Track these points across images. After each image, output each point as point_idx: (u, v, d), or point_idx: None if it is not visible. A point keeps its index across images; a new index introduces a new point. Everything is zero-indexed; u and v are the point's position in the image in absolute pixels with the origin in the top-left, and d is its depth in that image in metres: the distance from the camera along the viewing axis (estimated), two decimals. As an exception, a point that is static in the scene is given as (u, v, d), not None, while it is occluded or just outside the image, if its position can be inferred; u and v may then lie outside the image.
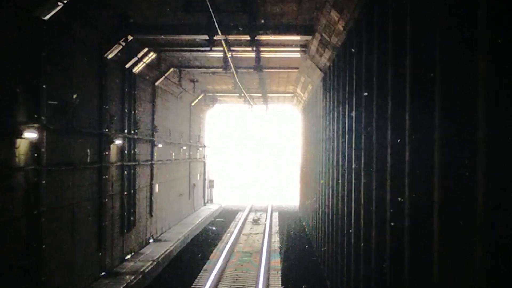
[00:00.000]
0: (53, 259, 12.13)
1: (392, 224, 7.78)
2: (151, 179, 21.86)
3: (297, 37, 16.19)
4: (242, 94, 29.51)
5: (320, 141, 19.80)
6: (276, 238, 25.18)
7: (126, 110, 17.92)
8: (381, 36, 8.97)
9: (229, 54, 17.80)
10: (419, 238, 6.45)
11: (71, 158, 13.17)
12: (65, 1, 11.21)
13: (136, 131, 19.15)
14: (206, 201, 38.75)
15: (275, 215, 35.46)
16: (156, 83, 22.13)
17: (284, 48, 18.00)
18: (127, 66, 17.73)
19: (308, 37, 15.89)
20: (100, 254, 15.44)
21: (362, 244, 10.23)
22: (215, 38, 15.18)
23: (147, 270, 16.78)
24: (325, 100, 17.82)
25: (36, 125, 11.02)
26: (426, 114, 6.28)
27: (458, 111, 5.36)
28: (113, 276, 15.70)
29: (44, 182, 11.42)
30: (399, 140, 7.59)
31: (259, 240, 24.61)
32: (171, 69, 22.24)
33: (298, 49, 17.93)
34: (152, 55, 18.81)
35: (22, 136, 10.51)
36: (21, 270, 10.63)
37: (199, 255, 20.88)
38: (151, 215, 21.82)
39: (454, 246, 5.30)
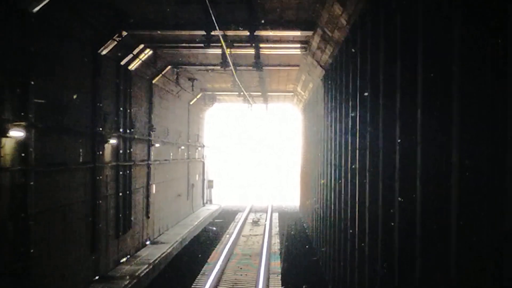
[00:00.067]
0: (43, 264, 11.58)
1: (392, 224, 7.68)
2: (148, 179, 21.31)
3: (298, 33, 15.63)
4: (242, 93, 28.96)
5: (320, 141, 19.45)
6: (276, 240, 24.64)
7: (121, 109, 17.36)
8: (388, 29, 8.43)
9: (227, 51, 17.24)
10: (423, 238, 6.30)
11: (62, 158, 12.61)
12: (54, -7, 10.67)
13: (132, 130, 18.60)
14: (205, 201, 38.21)
15: (275, 215, 34.92)
16: (153, 81, 21.58)
17: (285, 44, 17.43)
18: (122, 63, 17.17)
19: (309, 33, 15.32)
20: (93, 257, 14.89)
21: (363, 244, 10.09)
22: (212, 33, 14.61)
23: (142, 274, 16.23)
24: (327, 98, 17.32)
25: (23, 123, 10.47)
26: (442, 112, 5.75)
27: (479, 108, 4.83)
28: (107, 280, 15.15)
29: (32, 183, 10.86)
30: (408, 140, 7.07)
31: (259, 242, 24.07)
32: (169, 67, 21.69)
33: (299, 45, 17.37)
34: (148, 52, 18.26)
35: (8, 135, 9.96)
36: (7, 276, 10.07)
37: (198, 258, 20.33)
38: (148, 217, 21.26)
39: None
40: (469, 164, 5.01)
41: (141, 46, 17.40)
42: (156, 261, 18.17)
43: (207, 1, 11.35)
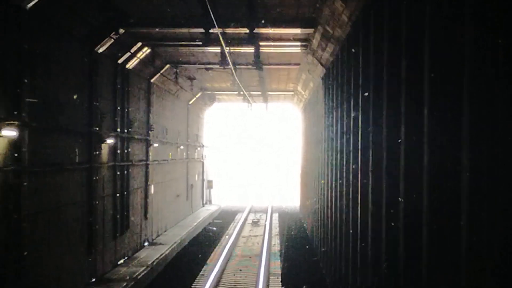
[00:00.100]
0: (36, 266, 11.29)
1: (393, 224, 7.64)
2: (146, 180, 21.02)
3: (298, 30, 15.34)
4: (241, 92, 28.66)
5: (321, 141, 19.33)
6: (276, 241, 24.35)
7: (118, 108, 17.07)
8: (392, 24, 8.14)
9: (226, 49, 16.95)
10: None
11: (57, 158, 12.32)
12: (48, -11, 10.39)
13: (130, 130, 18.30)
14: (204, 202, 37.93)
15: (275, 216, 34.64)
16: (152, 80, 21.29)
17: (285, 42, 17.14)
18: (119, 61, 16.88)
19: (310, 30, 15.03)
20: (90, 259, 14.60)
21: (363, 244, 10.01)
22: (211, 31, 14.32)
23: (140, 276, 15.94)
24: (327, 97, 17.06)
25: (16, 122, 10.18)
26: (451, 112, 5.47)
27: (490, 107, 4.55)
28: (103, 283, 14.86)
29: (25, 184, 10.58)
30: (414, 140, 6.78)
31: (259, 243, 23.79)
32: (167, 66, 21.39)
33: (299, 43, 17.08)
34: (146, 50, 17.97)
35: (0, 134, 9.66)
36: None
37: (197, 259, 20.05)
38: (146, 218, 20.97)
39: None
40: (479, 165, 4.76)
41: (139, 44, 17.11)
42: (155, 263, 17.88)
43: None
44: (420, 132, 6.40)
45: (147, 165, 21.00)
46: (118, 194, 17.09)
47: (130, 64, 17.86)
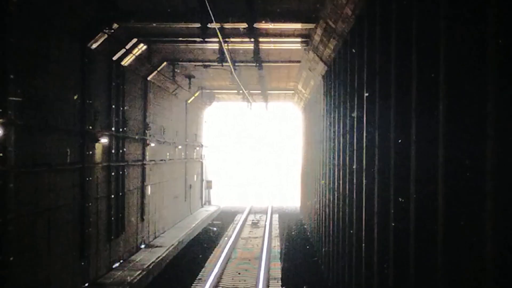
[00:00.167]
0: (24, 273, 10.72)
1: (393, 224, 7.51)
2: (143, 180, 20.45)
3: (299, 25, 14.77)
4: (241, 91, 28.11)
5: (322, 141, 19.07)
6: (276, 243, 23.80)
7: (113, 106, 16.50)
8: (402, 17, 7.58)
9: (225, 46, 16.39)
10: (423, 240, 6.21)
11: (47, 158, 11.74)
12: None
13: (125, 129, 17.73)
14: (203, 202, 37.37)
15: (275, 217, 34.08)
16: (148, 78, 20.73)
17: (285, 38, 16.56)
18: (114, 58, 16.31)
19: (311, 25, 14.45)
20: (82, 264, 14.03)
21: (363, 245, 9.91)
22: (209, 26, 13.74)
23: (135, 280, 15.38)
24: (329, 95, 16.57)
25: (1, 120, 9.61)
26: (471, 109, 4.92)
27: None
28: None
29: (11, 185, 10.01)
30: (426, 140, 6.24)
31: (258, 245, 23.23)
32: (164, 63, 20.82)
33: (300, 39, 16.51)
34: (142, 47, 17.40)
35: (-17, 133, 9.12)
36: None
37: (194, 262, 19.48)
38: (142, 219, 20.40)
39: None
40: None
41: (134, 40, 16.54)
42: (151, 266, 17.32)
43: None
44: (434, 132, 5.84)
45: (143, 165, 20.44)
46: (113, 196, 16.53)
47: (126, 61, 17.29)
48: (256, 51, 16.97)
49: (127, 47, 16.50)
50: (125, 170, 17.84)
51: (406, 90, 7.10)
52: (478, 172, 4.73)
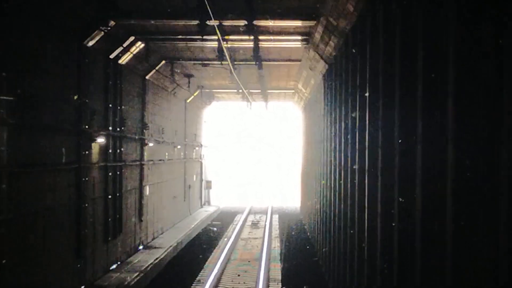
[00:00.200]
0: (17, 275, 10.44)
1: (393, 225, 7.49)
2: (141, 180, 20.17)
3: (299, 23, 14.48)
4: (240, 90, 27.82)
5: (322, 140, 18.84)
6: (276, 244, 23.52)
7: (110, 105, 16.21)
8: (407, 12, 7.30)
9: (224, 44, 16.10)
10: (426, 239, 6.16)
11: (41, 158, 11.47)
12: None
13: (123, 128, 17.45)
14: (203, 203, 37.08)
15: (275, 217, 33.79)
16: (147, 77, 20.45)
17: (285, 36, 16.26)
18: (111, 56, 16.03)
19: (312, 23, 14.17)
20: (78, 265, 13.75)
21: (364, 245, 9.88)
22: (207, 23, 13.45)
23: (132, 282, 15.10)
24: (329, 95, 16.30)
25: (-8, 119, 9.35)
26: (482, 112, 4.65)
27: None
28: (93, 290, 14.04)
29: (4, 186, 9.74)
30: (434, 140, 5.97)
31: (258, 246, 22.95)
32: (163, 62, 20.54)
33: (300, 37, 16.22)
34: (140, 45, 17.11)
35: (-27, 132, 8.85)
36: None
37: (193, 263, 19.19)
38: (140, 220, 20.12)
39: None
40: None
41: (132, 38, 16.25)
42: (149, 268, 17.04)
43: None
44: (441, 131, 5.57)
45: (141, 166, 20.16)
46: (110, 196, 16.25)
47: (123, 60, 17.01)
48: (256, 49, 16.66)
49: (125, 45, 16.22)
50: (123, 170, 17.56)
51: (411, 89, 6.83)
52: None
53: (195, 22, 13.74)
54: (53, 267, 12.18)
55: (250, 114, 44.07)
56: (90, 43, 14.00)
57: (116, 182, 16.84)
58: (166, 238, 22.62)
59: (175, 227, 25.97)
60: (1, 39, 9.71)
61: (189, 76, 24.63)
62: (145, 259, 18.28)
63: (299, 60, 20.51)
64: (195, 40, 16.56)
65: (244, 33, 14.99)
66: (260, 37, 16.01)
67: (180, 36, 16.51)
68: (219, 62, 17.82)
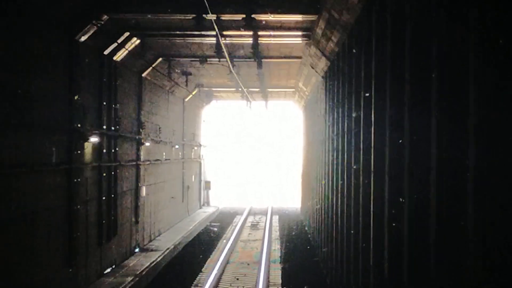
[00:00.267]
0: (2, 282, 9.86)
1: (394, 225, 7.46)
2: (137, 181, 19.60)
3: (300, 17, 13.89)
4: (240, 89, 27.24)
5: (323, 140, 18.51)
6: (276, 246, 22.97)
7: (104, 103, 15.64)
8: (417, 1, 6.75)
9: (222, 40, 15.52)
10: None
11: (28, 158, 10.89)
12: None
13: (118, 127, 16.88)
14: (202, 203, 36.51)
15: (275, 218, 33.21)
16: (143, 75, 19.88)
17: (285, 32, 15.67)
18: (105, 52, 15.45)
19: (313, 16, 13.58)
20: (70, 270, 13.17)
21: (364, 245, 9.88)
22: (204, 16, 12.87)
23: (127, 287, 14.52)
24: (331, 93, 15.78)
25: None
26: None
27: None
28: (85, 296, 13.47)
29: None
30: (452, 140, 5.42)
31: (258, 248, 22.39)
32: (159, 59, 19.95)
33: (301, 33, 15.64)
34: (136, 41, 16.53)
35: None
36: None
37: (191, 266, 18.61)
38: (136, 222, 19.54)
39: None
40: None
41: (127, 34, 15.67)
42: (144, 272, 16.47)
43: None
44: (460, 130, 5.00)
45: (137, 166, 19.59)
46: (104, 198, 15.67)
47: (118, 56, 16.44)
48: (255, 45, 16.08)
49: (119, 41, 15.65)
50: (118, 170, 16.98)
51: (424, 83, 6.26)
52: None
53: (192, 15, 13.14)
54: (42, 274, 11.60)
55: (249, 113, 43.48)
56: (83, 38, 13.43)
57: (110, 183, 16.27)
58: (163, 240, 22.05)
59: (173, 228, 25.40)
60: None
61: (187, 74, 24.04)
62: (141, 262, 17.71)
63: (300, 57, 19.94)
64: (192, 36, 15.99)
65: (242, 28, 14.39)
66: (260, 33, 15.44)
67: (177, 32, 15.93)
68: (217, 60, 17.21)
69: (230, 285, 16.29)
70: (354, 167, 11.17)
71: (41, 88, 11.47)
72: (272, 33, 15.47)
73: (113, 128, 16.41)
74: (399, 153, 7.47)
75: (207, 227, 29.09)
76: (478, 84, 4.67)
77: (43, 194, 11.60)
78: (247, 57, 18.43)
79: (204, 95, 32.24)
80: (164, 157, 24.04)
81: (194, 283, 16.28)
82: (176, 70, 22.91)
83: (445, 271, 5.49)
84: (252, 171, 54.81)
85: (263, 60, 18.97)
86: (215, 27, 13.45)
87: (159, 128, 22.96)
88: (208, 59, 19.48)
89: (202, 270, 18.03)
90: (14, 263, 10.41)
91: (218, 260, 18.87)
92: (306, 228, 27.02)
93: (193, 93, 28.76)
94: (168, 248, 20.33)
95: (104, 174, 15.69)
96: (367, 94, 9.78)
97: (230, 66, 18.59)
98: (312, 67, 19.40)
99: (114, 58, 16.24)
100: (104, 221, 15.66)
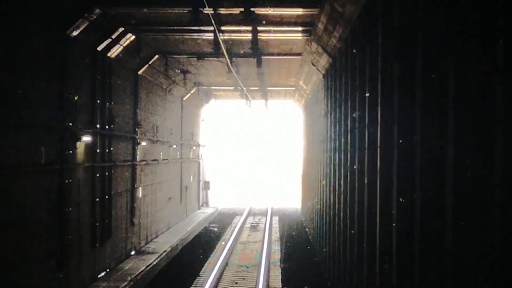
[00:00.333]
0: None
1: (394, 225, 7.41)
2: (133, 182, 19.04)
3: (300, 11, 13.34)
4: (239, 87, 26.69)
5: (324, 140, 18.11)
6: (276, 247, 22.43)
7: (98, 101, 15.08)
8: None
9: (220, 35, 14.97)
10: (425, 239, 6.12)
11: (15, 158, 10.34)
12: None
13: (112, 126, 16.31)
14: (201, 204, 35.95)
15: (275, 219, 32.65)
16: (139, 72, 19.32)
17: (285, 27, 15.11)
18: (99, 48, 14.89)
19: (315, 10, 13.02)
20: (61, 275, 12.62)
21: (365, 245, 9.77)
22: (201, 10, 12.31)
23: (121, 293, 13.99)
24: (333, 91, 15.23)
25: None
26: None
27: None
28: (77, 302, 12.92)
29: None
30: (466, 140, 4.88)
31: (258, 250, 21.85)
32: (156, 56, 19.40)
33: (301, 28, 15.07)
34: (131, 37, 15.98)
35: None
36: None
37: (188, 270, 18.05)
38: (132, 224, 18.99)
39: None
40: None
41: (121, 29, 15.11)
42: (139, 276, 15.92)
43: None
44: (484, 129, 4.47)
45: (133, 166, 19.03)
46: (97, 199, 15.11)
47: (113, 53, 15.88)
48: (254, 42, 15.54)
49: (113, 36, 15.09)
50: (112, 171, 16.42)
51: (439, 79, 5.72)
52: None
53: (188, 9, 12.57)
54: (31, 278, 11.05)
55: (249, 112, 42.91)
56: (74, 33, 12.88)
57: (104, 184, 15.71)
58: (160, 242, 21.50)
59: (170, 230, 24.85)
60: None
61: (185, 72, 23.50)
62: (136, 266, 17.16)
63: (300, 54, 19.39)
64: (190, 31, 15.44)
65: (241, 22, 13.83)
66: (259, 28, 14.89)
67: (173, 27, 15.37)
68: (216, 57, 16.65)
69: (229, 289, 15.78)
70: (356, 167, 10.89)
71: (29, 85, 10.92)
72: (271, 28, 14.91)
73: (107, 127, 15.85)
74: (408, 153, 6.96)
75: (206, 228, 28.54)
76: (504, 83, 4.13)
77: (32, 196, 11.05)
78: (247, 55, 17.88)
79: (203, 94, 31.68)
80: (161, 157, 23.48)
81: (191, 287, 15.75)
82: (176, 70, 22.37)
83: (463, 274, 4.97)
84: (252, 170, 54.28)
85: (262, 57, 18.43)
86: (213, 21, 12.90)
87: (156, 127, 22.41)
88: (205, 55, 18.89)
89: (200, 273, 17.49)
90: (7, 265, 9.87)
91: (216, 262, 18.34)
92: (307, 229, 26.51)
93: (192, 92, 28.20)
94: (165, 251, 19.78)
95: (98, 175, 15.13)
96: (378, 88, 9.20)
97: (229, 63, 18.04)
98: (313, 64, 18.84)
99: (108, 54, 15.68)
100: (97, 223, 15.11)
